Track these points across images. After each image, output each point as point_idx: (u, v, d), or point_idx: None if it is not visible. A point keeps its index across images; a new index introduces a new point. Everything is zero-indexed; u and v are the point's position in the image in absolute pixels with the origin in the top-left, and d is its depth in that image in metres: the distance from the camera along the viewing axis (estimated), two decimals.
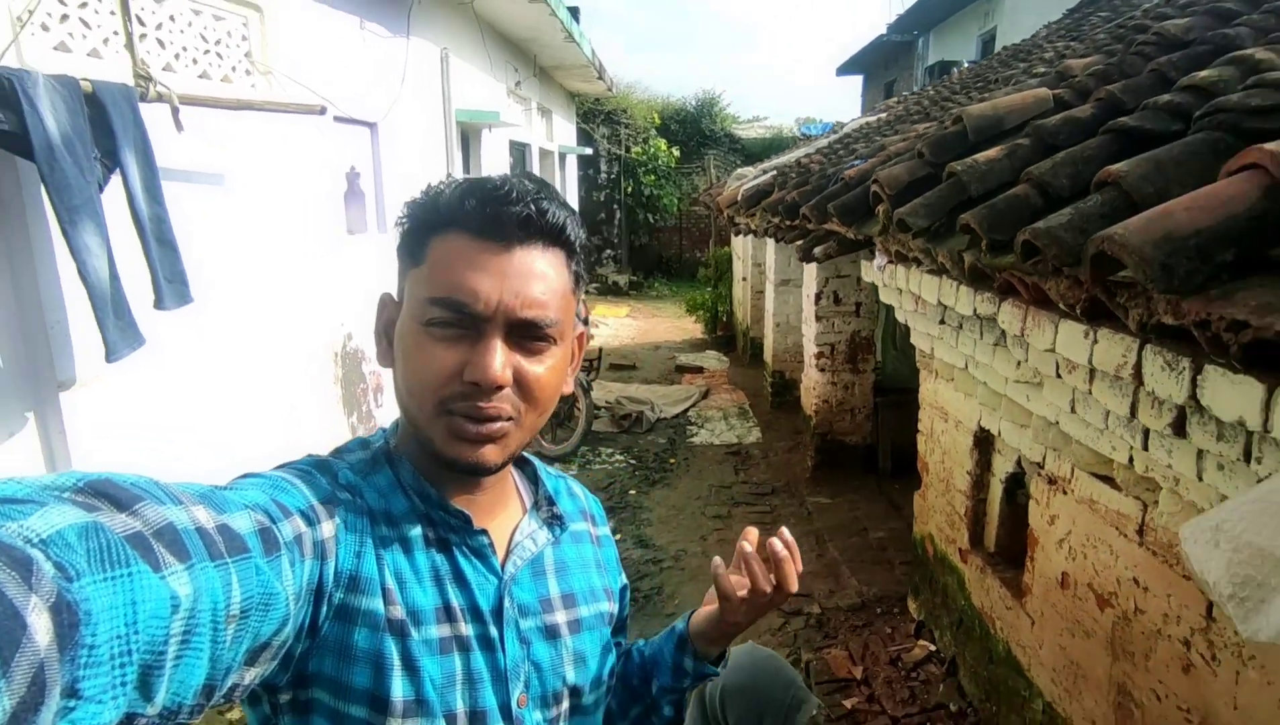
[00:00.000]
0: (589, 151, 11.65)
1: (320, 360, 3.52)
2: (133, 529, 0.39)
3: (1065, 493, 1.83)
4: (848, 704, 2.54)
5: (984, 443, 2.34)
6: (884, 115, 5.68)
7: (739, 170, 7.45)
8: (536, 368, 0.66)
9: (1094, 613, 1.70)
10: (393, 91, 4.19)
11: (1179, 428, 1.16)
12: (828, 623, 3.06)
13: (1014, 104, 2.01)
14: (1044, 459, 1.92)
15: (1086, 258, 1.07)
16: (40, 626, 0.30)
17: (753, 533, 0.80)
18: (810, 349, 4.59)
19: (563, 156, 9.99)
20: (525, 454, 0.81)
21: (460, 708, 0.65)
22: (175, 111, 2.44)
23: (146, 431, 2.44)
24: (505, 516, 0.76)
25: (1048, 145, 1.68)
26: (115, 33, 2.43)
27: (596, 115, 12.18)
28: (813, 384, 4.58)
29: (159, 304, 2.30)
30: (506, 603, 0.70)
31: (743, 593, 0.78)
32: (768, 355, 6.19)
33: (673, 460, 4.91)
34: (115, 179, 2.16)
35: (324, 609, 0.60)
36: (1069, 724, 1.82)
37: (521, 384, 0.65)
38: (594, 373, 5.27)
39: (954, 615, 2.57)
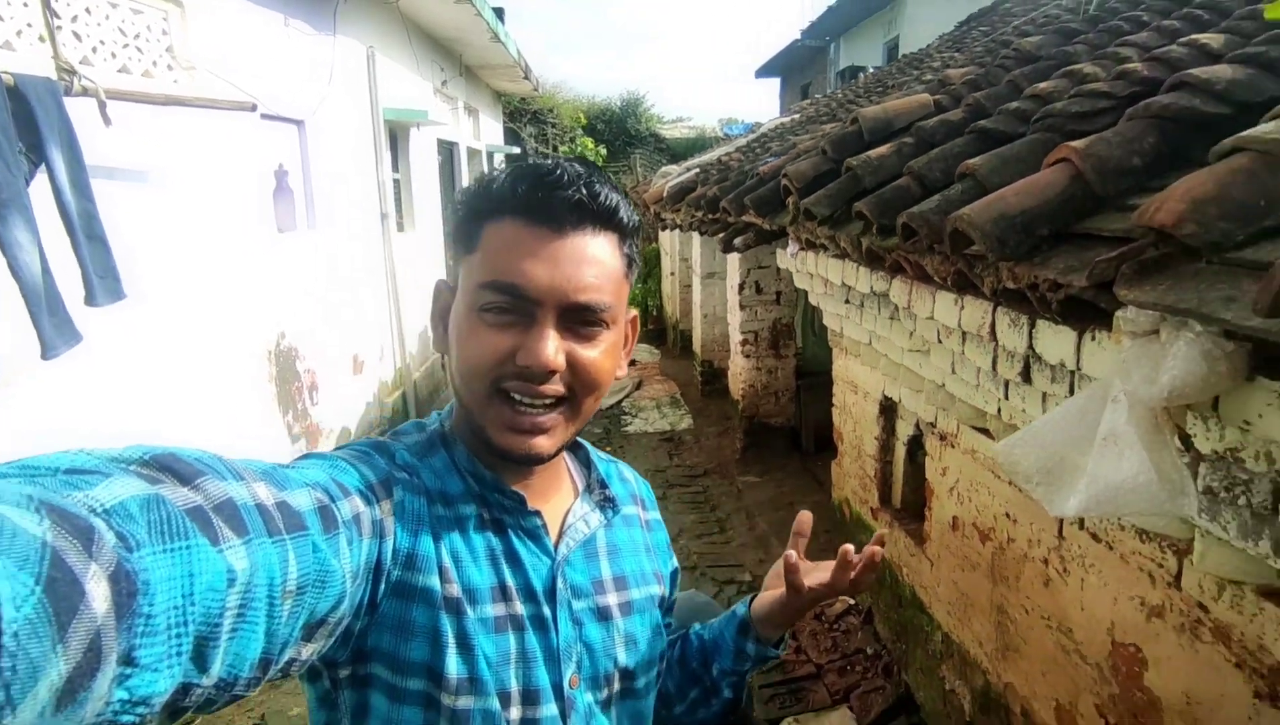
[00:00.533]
0: (516, 150, 11.66)
1: (254, 358, 3.49)
2: (193, 503, 0.40)
3: (953, 446, 2.10)
4: None
5: (888, 410, 2.61)
6: (798, 116, 6.02)
7: (664, 168, 7.69)
8: (590, 352, 0.65)
9: (978, 548, 1.97)
10: (320, 89, 4.18)
11: (1026, 375, 1.41)
12: (758, 588, 3.29)
13: (901, 107, 2.27)
14: (936, 418, 2.19)
15: (946, 235, 1.30)
16: (99, 594, 0.31)
17: (806, 517, 0.85)
18: (736, 337, 4.84)
19: (490, 155, 9.99)
20: (578, 439, 0.81)
21: (514, 686, 0.65)
22: (102, 106, 2.42)
23: (78, 430, 2.41)
24: (558, 499, 0.76)
25: (927, 143, 1.93)
26: (30, 24, 2.38)
27: (523, 114, 12.22)
28: (739, 370, 4.84)
29: (90, 300, 2.28)
30: (559, 583, 0.70)
31: (814, 584, 0.79)
32: (696, 346, 6.45)
33: (609, 448, 5.08)
34: (41, 174, 2.14)
35: (382, 586, 0.60)
36: (962, 648, 2.10)
37: (575, 368, 0.65)
38: None
39: None
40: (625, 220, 0.68)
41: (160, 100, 2.65)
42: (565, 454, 0.80)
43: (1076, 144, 1.17)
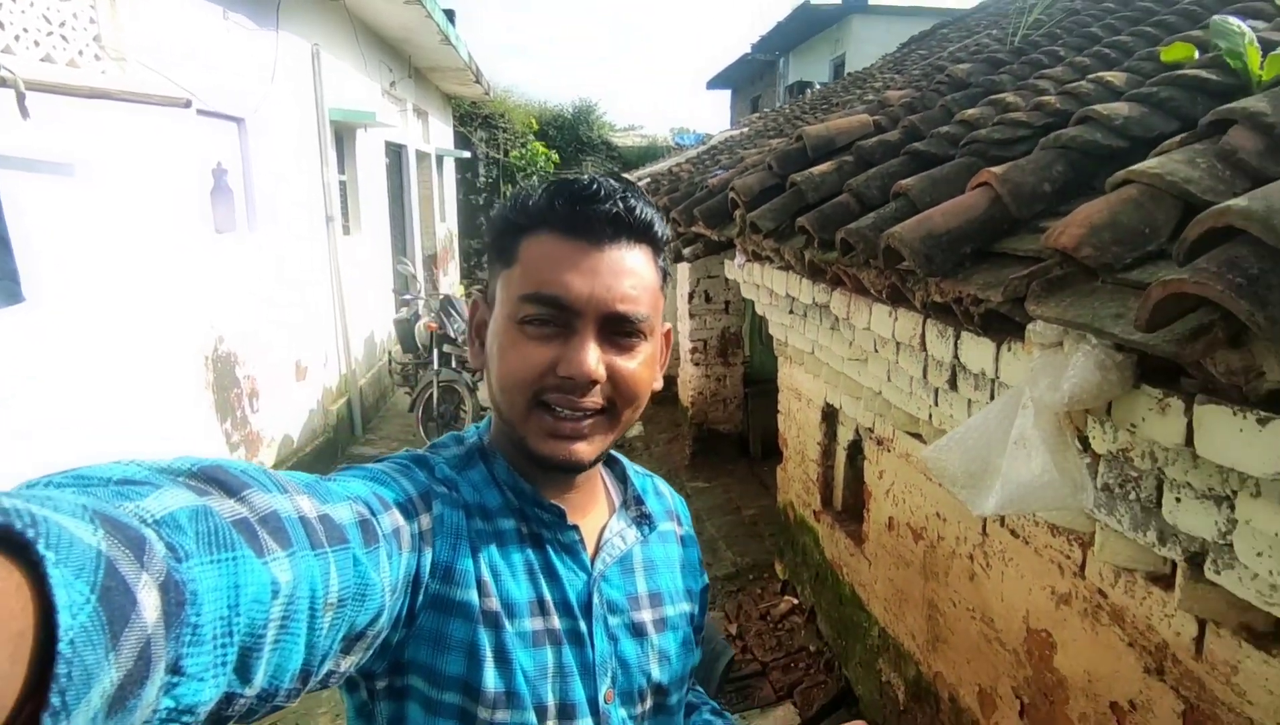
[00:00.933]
0: (467, 155, 11.56)
1: (189, 364, 3.38)
2: (240, 514, 0.41)
3: (889, 451, 2.21)
4: None
5: (830, 416, 2.72)
6: (747, 130, 6.17)
7: None
8: (629, 363, 0.66)
9: (911, 546, 2.08)
10: (262, 87, 4.08)
11: (953, 383, 1.51)
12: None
13: (843, 126, 2.39)
14: (874, 424, 2.30)
15: (880, 250, 1.38)
16: (149, 603, 0.31)
17: None
18: (685, 345, 4.93)
19: (440, 159, 9.87)
20: (614, 453, 0.82)
21: (551, 700, 0.66)
22: (21, 98, 2.32)
23: None
24: (595, 514, 0.77)
25: (866, 162, 2.04)
26: None
27: (474, 119, 12.11)
28: (689, 378, 4.93)
29: None
30: (595, 599, 0.71)
31: None
32: None
33: None
34: None
35: (420, 598, 0.61)
36: (896, 641, 2.20)
37: (615, 380, 0.66)
38: (479, 374, 5.34)
39: (811, 570, 2.94)
40: (660, 234, 0.69)
41: (85, 92, 2.55)
42: (602, 469, 0.81)
43: (996, 170, 1.27)
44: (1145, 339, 0.79)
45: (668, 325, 0.76)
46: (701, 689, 0.99)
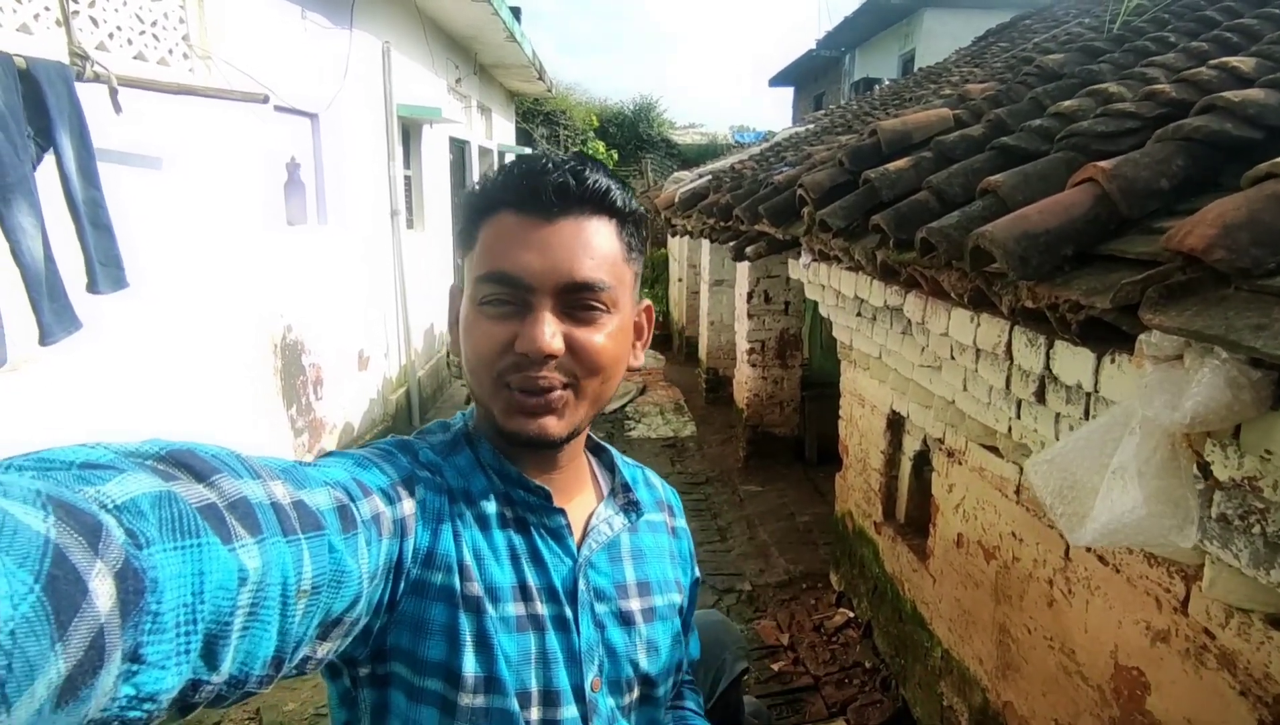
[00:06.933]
0: (528, 150, 11.68)
1: (259, 350, 3.49)
2: (207, 500, 0.40)
3: (960, 463, 2.09)
4: (775, 667, 2.75)
5: (895, 424, 2.60)
6: (812, 126, 6.02)
7: (676, 174, 7.69)
8: (592, 335, 0.65)
9: (981, 565, 1.96)
10: (335, 83, 4.19)
11: (1040, 395, 1.40)
12: (758, 598, 3.28)
13: (921, 121, 2.27)
14: (944, 435, 2.18)
15: (966, 251, 1.29)
16: (103, 592, 0.31)
17: None
18: (742, 346, 4.83)
19: (502, 155, 10.00)
20: (603, 443, 0.83)
21: (534, 687, 0.65)
22: (114, 93, 2.42)
23: (79, 418, 2.41)
24: (582, 500, 0.76)
25: (946, 158, 1.92)
26: (47, 8, 2.39)
27: (536, 115, 12.24)
28: (744, 379, 4.83)
29: (92, 287, 2.28)
30: (581, 585, 0.70)
31: None
32: (702, 352, 6.43)
33: None
34: (49, 159, 2.14)
35: (402, 585, 0.60)
36: (962, 665, 2.08)
37: (576, 352, 0.64)
38: None
39: (869, 583, 2.83)
40: (620, 203, 0.68)
41: (173, 89, 2.65)
42: (590, 457, 0.81)
43: (1103, 164, 1.16)
44: None
45: (647, 302, 0.75)
46: (692, 682, 0.96)
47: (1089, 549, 1.50)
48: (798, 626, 3.02)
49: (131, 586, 0.33)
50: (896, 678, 2.54)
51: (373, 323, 4.92)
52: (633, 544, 0.78)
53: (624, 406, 6.02)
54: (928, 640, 2.31)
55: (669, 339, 8.61)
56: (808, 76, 14.83)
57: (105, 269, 2.32)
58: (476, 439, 0.72)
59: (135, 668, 0.33)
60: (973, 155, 1.81)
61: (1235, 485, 0.97)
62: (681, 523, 0.88)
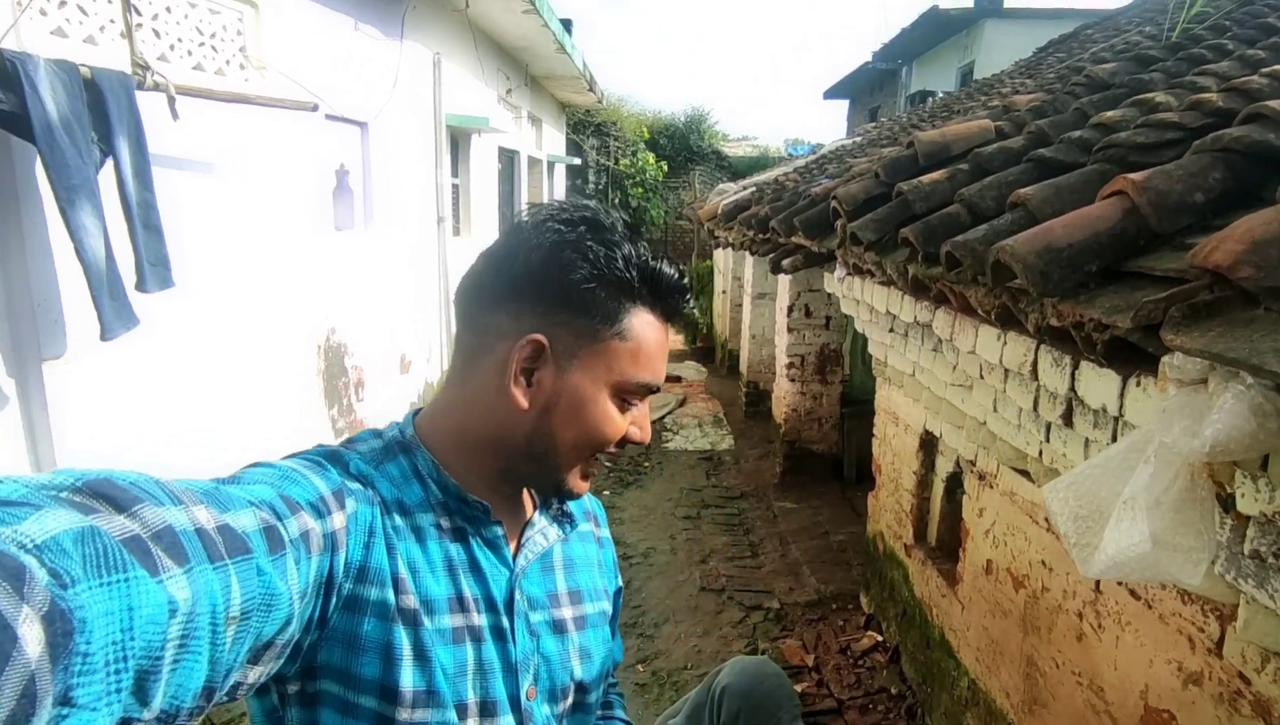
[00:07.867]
0: (578, 162, 11.84)
1: (304, 352, 3.62)
2: (131, 532, 0.39)
3: (992, 487, 2.00)
4: (799, 688, 2.68)
5: (928, 444, 2.51)
6: (860, 139, 5.92)
7: (721, 186, 7.67)
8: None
9: (1011, 594, 1.87)
10: (384, 93, 4.33)
11: (1068, 418, 1.33)
12: (785, 617, 3.21)
13: (960, 132, 2.20)
14: (976, 457, 2.09)
15: (988, 265, 1.24)
16: (31, 637, 0.30)
17: None
18: (782, 360, 4.77)
19: (551, 165, 10.16)
20: None
21: (471, 698, 0.65)
22: (172, 101, 2.56)
23: (130, 412, 2.53)
24: (516, 510, 0.78)
25: (983, 170, 1.86)
26: (112, 20, 2.54)
27: (586, 126, 12.39)
28: (783, 394, 4.76)
29: (140, 286, 2.40)
30: (517, 595, 0.71)
31: None
32: (743, 366, 6.37)
33: (647, 463, 5.05)
34: (107, 163, 2.27)
35: (333, 600, 0.59)
36: (988, 697, 1.99)
37: None
38: None
39: (899, 606, 2.73)
40: None
41: (228, 97, 2.78)
42: None
43: (1134, 176, 1.10)
44: None
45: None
46: (617, 686, 0.99)
47: (1120, 583, 1.41)
48: (824, 648, 2.94)
49: (60, 628, 0.32)
50: (922, 706, 2.44)
51: (416, 327, 5.04)
52: (564, 554, 0.80)
53: (662, 418, 6.00)
54: (955, 669, 2.22)
55: (711, 351, 8.56)
56: (863, 89, 14.63)
57: (154, 269, 2.43)
58: (414, 447, 0.71)
59: (66, 711, 0.32)
60: (1009, 167, 1.74)
61: (1267, 520, 0.90)
62: (606, 533, 0.91)
